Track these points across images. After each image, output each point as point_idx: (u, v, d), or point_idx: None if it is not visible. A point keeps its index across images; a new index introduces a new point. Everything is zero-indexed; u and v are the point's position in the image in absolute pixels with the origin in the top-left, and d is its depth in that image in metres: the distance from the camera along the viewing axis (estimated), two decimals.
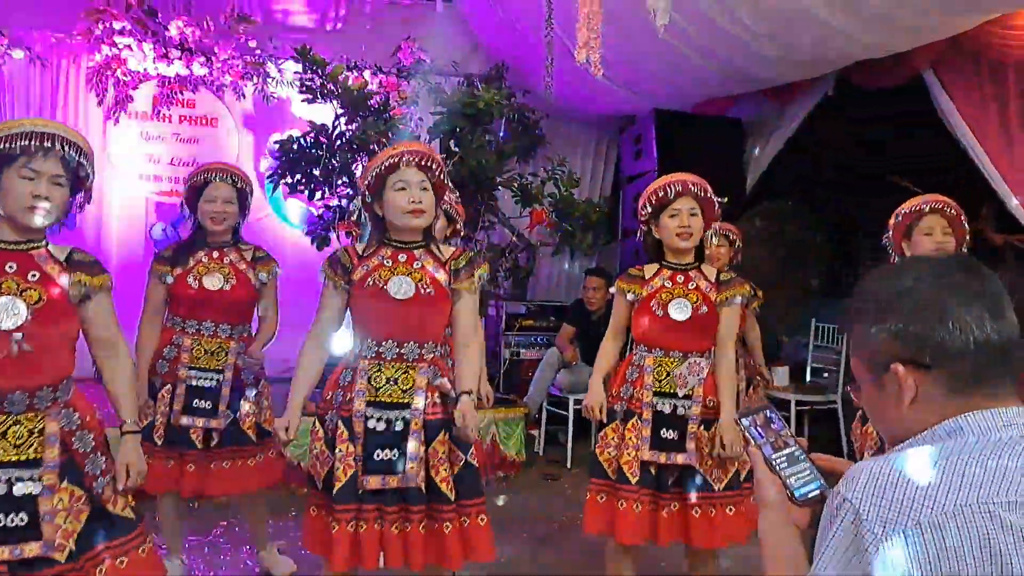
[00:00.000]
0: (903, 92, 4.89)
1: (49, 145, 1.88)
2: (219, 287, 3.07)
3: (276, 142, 5.48)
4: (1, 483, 1.83)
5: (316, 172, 5.29)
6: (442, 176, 2.38)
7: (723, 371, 2.79)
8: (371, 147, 4.99)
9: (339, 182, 5.28)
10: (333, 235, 5.41)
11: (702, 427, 2.74)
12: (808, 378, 6.19)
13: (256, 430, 3.15)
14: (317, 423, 2.38)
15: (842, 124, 5.96)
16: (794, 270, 4.92)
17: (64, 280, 1.98)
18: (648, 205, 2.78)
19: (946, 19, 3.98)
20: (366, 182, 2.36)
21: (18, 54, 6.05)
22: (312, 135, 5.28)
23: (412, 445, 2.26)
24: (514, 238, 6.12)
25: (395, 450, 2.26)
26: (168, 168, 6.52)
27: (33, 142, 1.87)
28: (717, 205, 2.81)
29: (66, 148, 1.91)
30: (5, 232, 1.94)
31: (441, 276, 2.38)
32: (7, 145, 1.87)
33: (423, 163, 2.34)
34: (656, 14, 3.97)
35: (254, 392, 3.18)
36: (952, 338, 1.02)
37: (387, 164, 2.31)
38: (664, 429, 2.72)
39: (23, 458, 1.87)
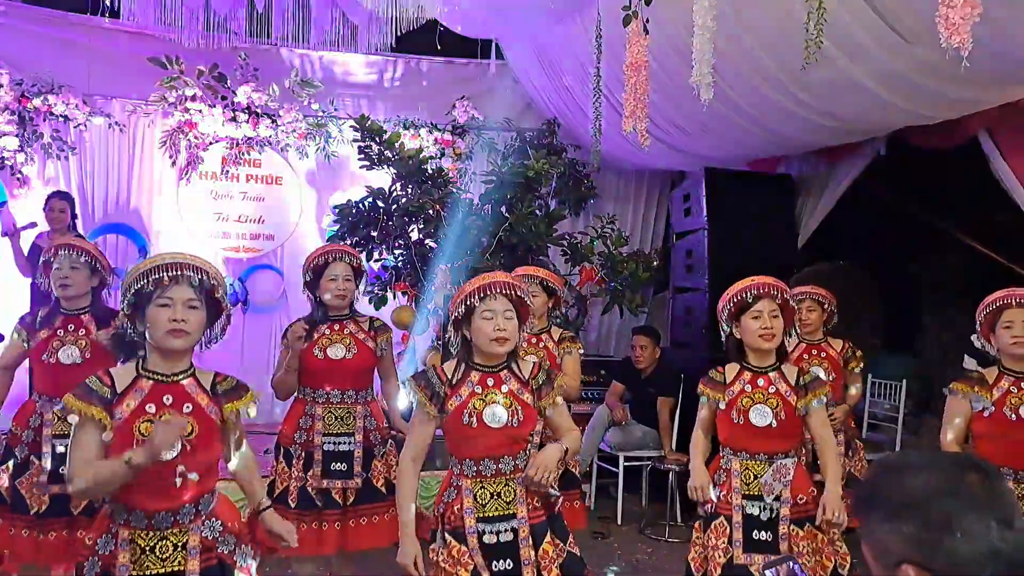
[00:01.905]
0: (958, 152, 4.86)
1: (178, 273, 2.06)
2: (342, 356, 3.33)
3: (336, 206, 5.70)
4: None
5: (374, 233, 5.50)
6: (525, 300, 2.52)
7: (828, 458, 2.87)
8: (428, 212, 5.17)
9: (396, 243, 5.47)
10: (390, 294, 5.60)
11: (793, 526, 2.80)
12: (864, 433, 6.10)
13: (387, 485, 3.37)
14: (439, 543, 2.48)
15: (896, 181, 5.91)
16: (849, 328, 4.89)
17: (214, 411, 2.14)
18: (729, 307, 2.88)
19: (998, 91, 3.97)
20: (457, 308, 2.50)
21: (98, 120, 6.46)
22: (370, 199, 5.49)
23: (525, 552, 2.40)
24: (566, 293, 6.21)
25: (509, 560, 2.40)
26: (236, 225, 6.83)
27: (165, 273, 2.05)
28: (794, 303, 2.95)
29: (194, 273, 2.09)
30: (158, 364, 2.10)
31: (527, 397, 2.51)
32: (144, 282, 2.05)
33: (509, 293, 2.48)
34: (700, 88, 4.06)
35: (383, 451, 3.43)
36: (961, 547, 1.05)
37: (476, 294, 2.46)
38: (756, 531, 2.79)
39: (167, 571, 2.03)
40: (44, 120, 6.24)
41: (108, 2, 5.91)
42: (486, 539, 2.41)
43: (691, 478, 2.98)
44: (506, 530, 2.43)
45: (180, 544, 2.06)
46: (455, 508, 2.44)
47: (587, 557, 4.65)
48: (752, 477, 2.82)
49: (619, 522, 5.40)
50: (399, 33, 6.38)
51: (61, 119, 6.29)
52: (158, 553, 2.03)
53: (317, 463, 3.29)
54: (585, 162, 6.81)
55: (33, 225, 5.71)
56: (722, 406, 2.90)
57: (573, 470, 3.84)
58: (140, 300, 2.07)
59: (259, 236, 6.90)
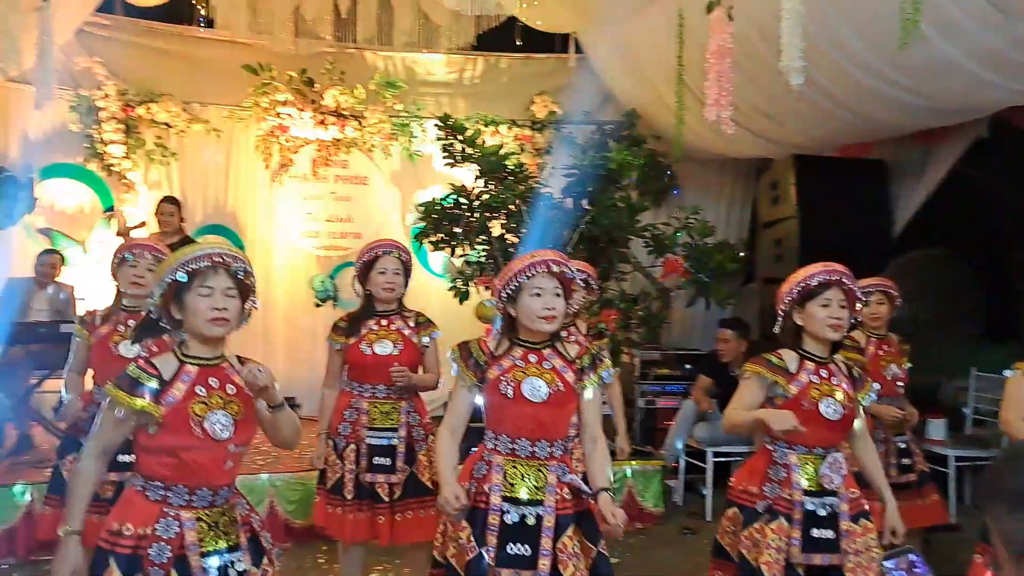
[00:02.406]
0: None
1: (218, 262, 2.13)
2: (389, 352, 3.36)
3: (420, 203, 5.82)
4: (221, 569, 2.09)
5: (457, 229, 5.59)
6: (574, 278, 2.50)
7: (871, 461, 2.78)
8: (509, 207, 5.22)
9: (478, 239, 5.55)
10: (473, 289, 5.68)
11: (851, 522, 2.69)
12: (969, 428, 5.84)
13: (432, 480, 3.38)
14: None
15: (997, 165, 5.63)
16: (949, 318, 4.69)
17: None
18: (795, 292, 2.73)
19: None
20: (504, 285, 2.47)
21: (197, 126, 6.77)
22: (453, 195, 5.58)
23: (545, 542, 2.37)
24: (647, 285, 6.18)
25: (527, 545, 2.37)
26: (325, 224, 7.06)
27: (203, 262, 2.12)
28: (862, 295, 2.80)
29: (233, 262, 2.17)
30: (198, 349, 2.16)
31: (569, 376, 2.46)
32: (181, 271, 2.09)
33: (558, 271, 2.43)
34: (790, 73, 3.97)
35: (425, 446, 3.45)
36: None
37: (525, 271, 2.41)
38: (816, 529, 2.64)
39: (228, 545, 2.12)
40: (147, 128, 6.58)
41: (204, 13, 6.18)
42: (507, 519, 2.39)
43: (766, 415, 2.67)
44: (532, 514, 2.40)
45: (233, 519, 2.17)
46: (484, 486, 2.42)
47: (676, 553, 4.68)
48: (812, 472, 2.68)
49: (708, 518, 5.33)
50: (479, 31, 6.46)
51: (163, 126, 6.62)
52: (221, 528, 2.13)
53: (363, 456, 3.32)
54: (666, 153, 6.75)
55: (143, 225, 6.04)
56: (788, 395, 2.69)
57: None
58: (177, 288, 2.13)
59: (347, 235, 7.09)
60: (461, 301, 5.72)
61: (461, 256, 5.76)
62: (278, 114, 6.73)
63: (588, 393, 2.50)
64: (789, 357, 2.74)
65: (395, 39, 6.78)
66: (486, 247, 5.56)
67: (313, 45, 6.72)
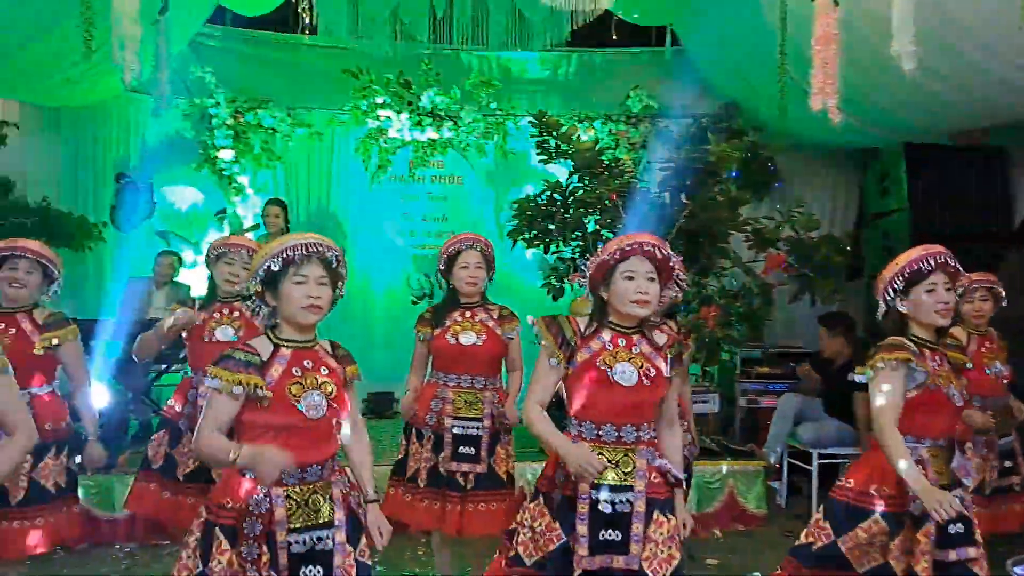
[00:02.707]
0: None
1: (312, 252, 2.20)
2: (473, 343, 3.41)
3: (514, 201, 5.84)
4: (307, 544, 2.15)
5: (551, 226, 5.57)
6: (670, 262, 2.43)
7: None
8: (605, 203, 5.18)
9: (573, 235, 5.52)
10: (567, 286, 5.66)
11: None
12: None
13: (507, 474, 3.46)
14: (541, 500, 2.44)
15: None
16: None
17: (341, 371, 2.29)
18: (899, 278, 2.60)
19: None
20: (596, 267, 2.44)
21: (301, 130, 7.02)
22: (547, 192, 5.58)
23: (636, 527, 2.33)
24: (748, 281, 6.01)
25: (618, 531, 2.33)
26: (422, 224, 7.21)
27: (298, 252, 2.19)
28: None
29: (324, 252, 2.20)
30: (292, 334, 2.23)
31: (659, 362, 2.42)
32: (276, 261, 2.17)
33: (653, 254, 2.38)
34: (901, 58, 3.79)
35: (506, 439, 3.50)
36: None
37: (618, 253, 2.38)
38: (952, 524, 2.47)
39: (319, 522, 2.16)
40: (255, 133, 6.87)
41: (308, 20, 6.40)
42: (601, 508, 2.34)
43: (924, 494, 2.40)
44: (622, 501, 2.35)
45: (327, 496, 2.20)
46: (570, 474, 2.36)
47: (779, 557, 4.51)
48: (943, 466, 2.55)
49: None
50: (574, 27, 6.45)
51: (269, 131, 6.89)
52: (311, 505, 2.18)
53: (447, 445, 3.35)
54: (768, 145, 6.55)
55: (256, 227, 6.32)
56: (925, 382, 2.55)
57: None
58: (272, 277, 2.21)
59: (443, 233, 7.19)
60: (555, 299, 5.71)
61: (555, 253, 5.75)
62: (377, 116, 6.90)
63: (673, 383, 2.48)
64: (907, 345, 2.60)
65: (490, 38, 6.83)
66: (581, 244, 5.53)
67: (410, 47, 6.86)
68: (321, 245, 2.21)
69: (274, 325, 2.26)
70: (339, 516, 2.20)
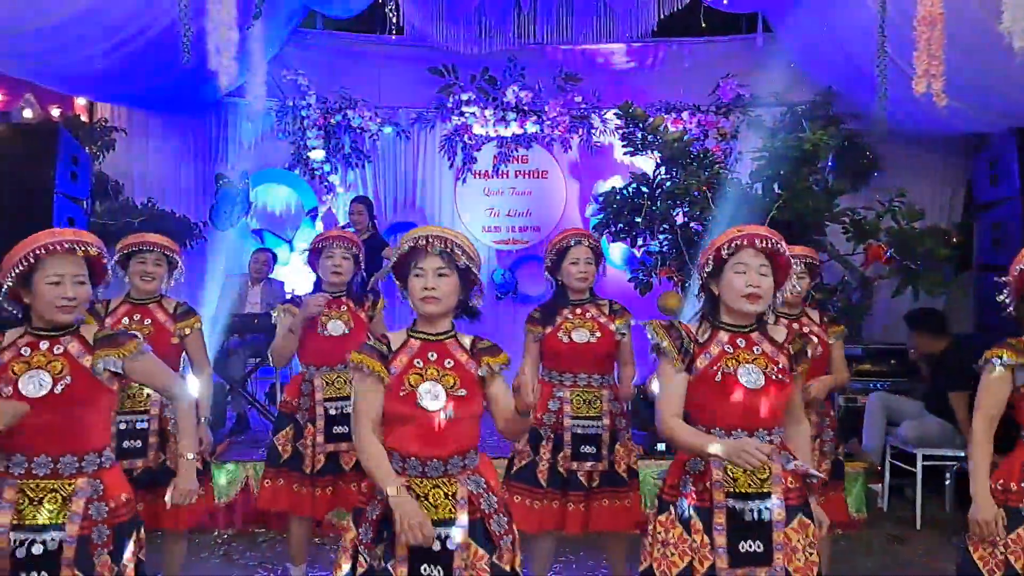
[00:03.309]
0: None
1: (428, 244, 2.20)
2: (587, 340, 3.33)
3: (599, 194, 5.78)
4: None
5: (638, 219, 5.48)
6: (786, 254, 2.30)
7: None
8: (693, 194, 5.06)
9: (660, 228, 5.42)
10: (655, 279, 5.56)
11: None
12: None
13: (628, 471, 3.39)
14: (672, 511, 2.33)
15: None
16: None
17: (473, 366, 2.24)
18: None
19: None
20: (706, 260, 2.35)
21: (388, 129, 7.14)
22: (634, 184, 5.49)
23: (778, 535, 2.21)
24: (847, 275, 5.77)
25: (759, 541, 2.22)
26: (506, 219, 7.21)
27: (418, 243, 2.21)
28: None
29: (445, 245, 2.19)
30: (423, 326, 2.26)
31: (782, 360, 2.31)
32: (397, 255, 2.22)
33: (765, 246, 2.27)
34: (1013, 37, 3.55)
35: (626, 436, 3.43)
36: None
37: (730, 246, 2.28)
38: None
39: (439, 518, 2.12)
40: (344, 133, 7.02)
41: (394, 20, 6.48)
42: (737, 517, 2.23)
43: (974, 507, 2.34)
44: (759, 509, 2.23)
45: (450, 494, 2.16)
46: (704, 482, 2.27)
47: (883, 563, 4.33)
48: None
49: (918, 526, 4.89)
50: (661, 17, 6.33)
51: (358, 131, 7.04)
52: (431, 500, 2.15)
53: (567, 445, 3.29)
54: (866, 132, 6.27)
55: (349, 226, 6.46)
56: None
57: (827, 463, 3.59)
58: (398, 271, 2.26)
59: (527, 228, 7.21)
60: (642, 293, 5.62)
61: (642, 247, 5.66)
62: (462, 113, 6.95)
63: (797, 381, 2.36)
64: None
65: (575, 31, 6.77)
66: (668, 236, 5.42)
67: (495, 44, 6.87)
68: (439, 237, 2.22)
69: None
70: (461, 517, 2.16)
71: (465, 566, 2.13)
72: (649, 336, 2.39)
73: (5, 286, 2.19)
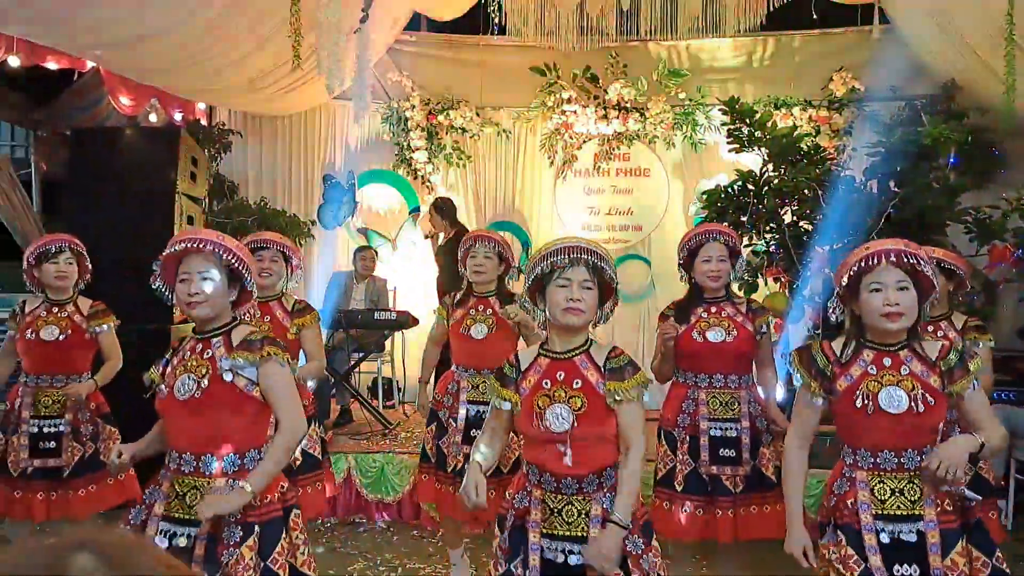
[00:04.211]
0: None
1: (577, 256, 2.19)
2: (722, 339, 3.23)
3: (703, 192, 5.64)
4: (560, 552, 2.15)
5: (743, 218, 5.32)
6: (926, 269, 2.16)
7: None
8: (803, 192, 4.87)
9: (767, 227, 5.24)
10: (761, 280, 5.39)
11: None
12: None
13: (776, 474, 3.21)
14: (838, 534, 2.24)
15: None
16: None
17: (601, 385, 2.19)
18: None
19: None
20: (842, 281, 2.24)
21: (489, 129, 7.19)
22: (739, 182, 5.33)
23: (934, 560, 2.11)
24: (968, 278, 5.43)
25: (913, 565, 2.13)
26: (606, 218, 7.14)
27: (564, 256, 2.17)
28: None
29: (590, 257, 2.18)
30: (555, 343, 2.25)
31: (933, 380, 2.18)
32: (544, 264, 2.20)
33: (901, 260, 2.16)
34: None
35: (770, 439, 3.29)
36: None
37: (862, 263, 2.18)
38: None
39: (571, 534, 2.15)
40: (446, 133, 7.12)
41: (496, 20, 6.53)
42: (883, 538, 2.14)
43: None
44: (910, 531, 2.14)
45: (584, 511, 2.16)
46: (847, 502, 2.20)
47: None
48: None
49: None
50: (770, 9, 6.13)
51: (460, 131, 7.12)
52: (564, 516, 2.17)
53: (704, 448, 3.18)
54: (992, 126, 5.88)
55: None
56: None
57: (986, 476, 3.32)
58: (541, 280, 2.23)
59: (627, 227, 7.11)
60: (747, 294, 5.44)
61: (748, 246, 5.48)
62: (563, 112, 6.93)
63: (969, 393, 2.19)
64: None
65: (679, 27, 6.63)
66: (776, 236, 5.23)
67: (597, 41, 6.82)
68: (586, 249, 2.21)
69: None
70: (594, 534, 2.14)
71: None
72: (788, 363, 2.41)
73: (158, 273, 2.30)
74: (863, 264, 2.18)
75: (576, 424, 2.15)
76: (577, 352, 2.24)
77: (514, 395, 2.20)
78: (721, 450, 3.19)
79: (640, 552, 2.18)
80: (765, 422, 3.27)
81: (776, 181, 5.10)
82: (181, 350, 2.30)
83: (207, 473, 2.20)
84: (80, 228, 3.96)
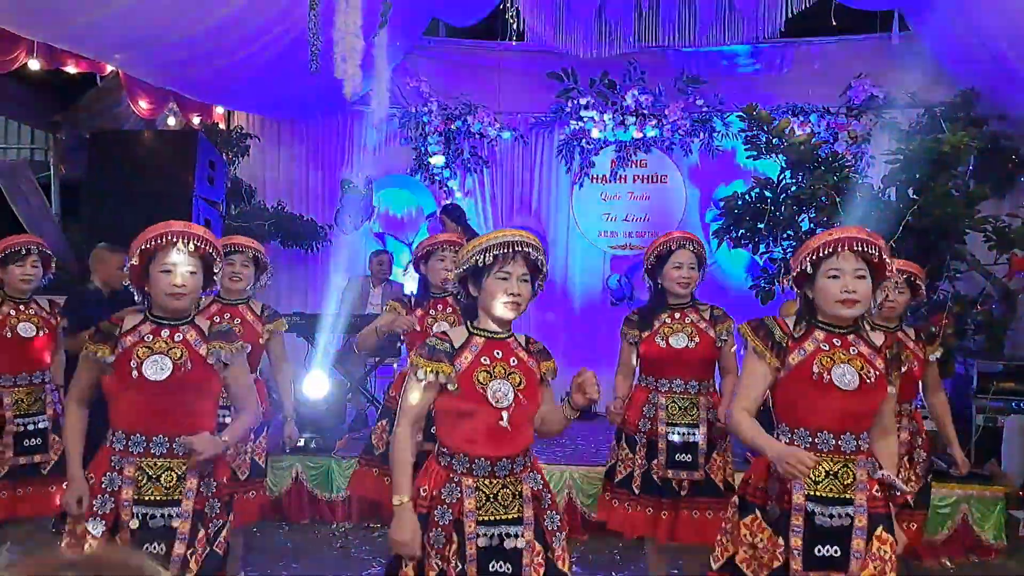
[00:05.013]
0: None
1: (517, 250, 2.19)
2: (684, 345, 3.26)
3: (721, 199, 5.63)
4: (494, 538, 2.15)
5: (760, 225, 5.30)
6: (882, 258, 2.20)
7: None
8: (820, 200, 4.85)
9: (784, 235, 5.22)
10: (778, 288, 5.36)
11: None
12: None
13: (724, 483, 3.28)
14: (758, 514, 2.31)
15: None
16: None
17: (534, 365, 2.25)
18: None
19: None
20: (800, 263, 2.27)
21: (507, 134, 7.21)
22: (756, 189, 5.31)
23: (857, 543, 2.16)
24: (988, 286, 5.38)
25: (836, 547, 2.18)
26: (623, 224, 7.14)
27: (502, 250, 2.20)
28: None
29: (529, 250, 2.19)
30: (488, 325, 2.25)
31: (879, 364, 2.24)
32: (484, 256, 2.18)
33: (862, 249, 2.19)
34: None
35: (723, 446, 3.33)
36: None
37: (823, 249, 2.21)
38: None
39: (508, 518, 2.15)
40: (464, 138, 7.14)
41: (514, 26, 6.55)
42: (817, 520, 2.18)
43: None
44: (842, 515, 2.18)
45: (516, 493, 2.18)
46: (785, 484, 2.21)
47: None
48: None
49: None
50: (789, 16, 6.11)
51: (477, 136, 7.14)
52: (500, 500, 2.16)
53: (661, 452, 3.24)
54: (1012, 134, 5.84)
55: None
56: None
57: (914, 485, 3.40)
58: (477, 271, 2.22)
59: (644, 234, 7.09)
60: (764, 301, 5.42)
61: (764, 254, 5.46)
62: (580, 118, 6.93)
63: (892, 389, 2.28)
64: None
65: (698, 33, 6.63)
66: (793, 243, 5.21)
67: (614, 47, 6.82)
68: (526, 243, 2.22)
69: (474, 315, 2.30)
70: (528, 514, 2.19)
71: (530, 562, 2.14)
72: (741, 337, 2.39)
73: (127, 267, 2.38)
74: (824, 251, 2.20)
75: (516, 400, 2.16)
76: (507, 335, 2.27)
77: (449, 367, 2.16)
78: (678, 455, 3.24)
79: (555, 528, 2.23)
80: (719, 430, 3.28)
81: (794, 188, 5.09)
82: (135, 333, 2.35)
83: (181, 453, 2.31)
84: (98, 230, 4.01)
